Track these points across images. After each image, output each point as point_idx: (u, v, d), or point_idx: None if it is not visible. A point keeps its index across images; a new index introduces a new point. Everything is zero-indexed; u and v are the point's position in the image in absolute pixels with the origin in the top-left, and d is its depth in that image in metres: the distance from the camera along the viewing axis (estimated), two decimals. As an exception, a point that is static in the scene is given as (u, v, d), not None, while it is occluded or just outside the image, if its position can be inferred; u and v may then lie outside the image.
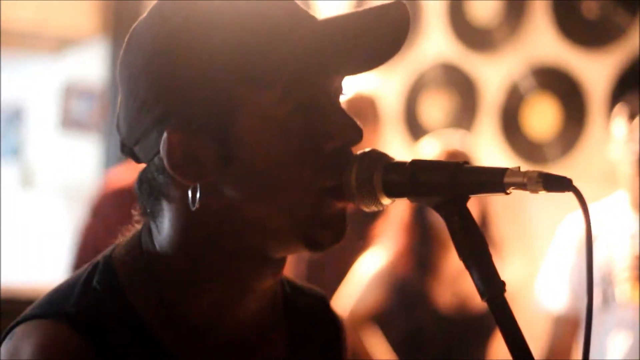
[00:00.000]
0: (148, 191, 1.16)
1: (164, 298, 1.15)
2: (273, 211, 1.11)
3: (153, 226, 1.17)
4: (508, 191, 1.06)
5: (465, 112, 4.54)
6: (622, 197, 2.83)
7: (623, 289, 2.73)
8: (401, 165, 1.11)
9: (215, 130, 1.10)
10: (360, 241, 3.39)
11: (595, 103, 4.23)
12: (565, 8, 4.32)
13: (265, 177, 1.10)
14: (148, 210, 1.17)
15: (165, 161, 1.11)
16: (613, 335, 2.72)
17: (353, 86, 3.63)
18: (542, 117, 4.39)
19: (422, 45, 4.54)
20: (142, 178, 1.17)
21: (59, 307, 1.12)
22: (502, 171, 1.05)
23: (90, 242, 3.38)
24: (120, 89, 1.17)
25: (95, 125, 5.95)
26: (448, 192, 1.08)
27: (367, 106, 3.65)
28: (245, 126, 1.10)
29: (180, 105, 1.10)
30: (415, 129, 4.63)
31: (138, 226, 1.21)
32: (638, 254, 2.72)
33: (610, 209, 2.84)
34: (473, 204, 1.08)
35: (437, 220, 3.26)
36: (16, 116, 6.60)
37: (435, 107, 4.63)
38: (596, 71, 4.23)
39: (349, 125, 1.13)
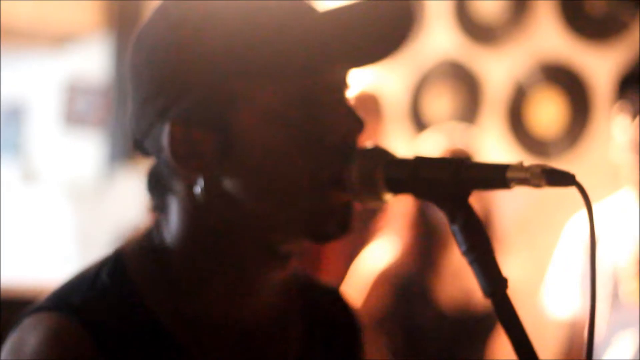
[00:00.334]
0: (155, 185, 1.17)
1: (175, 292, 1.15)
2: (274, 203, 1.12)
3: (163, 221, 1.18)
4: (511, 186, 1.05)
5: (470, 108, 4.54)
6: (628, 195, 2.82)
7: (629, 287, 2.72)
8: (403, 161, 1.11)
9: (215, 122, 1.10)
10: (364, 233, 3.39)
11: (600, 98, 4.22)
12: (571, 3, 4.31)
13: (265, 169, 1.10)
14: (156, 205, 1.18)
15: (168, 154, 1.12)
16: (619, 334, 2.71)
17: (356, 83, 3.62)
18: (547, 112, 4.38)
19: (427, 40, 4.54)
20: (151, 172, 1.18)
21: (66, 299, 1.13)
22: (505, 167, 1.05)
23: None
24: (128, 85, 1.18)
25: (99, 121, 5.95)
26: (450, 188, 1.08)
27: (369, 104, 3.65)
28: (245, 118, 1.10)
29: (181, 97, 1.11)
30: (420, 124, 4.62)
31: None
32: None
33: (616, 208, 2.83)
34: (476, 200, 1.08)
35: (440, 218, 3.27)
36: (19, 113, 6.61)
37: (440, 103, 4.62)
38: (601, 66, 4.22)
39: (349, 116, 1.13)
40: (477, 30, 4.51)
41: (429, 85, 4.63)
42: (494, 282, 1.06)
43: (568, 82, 4.32)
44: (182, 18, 1.12)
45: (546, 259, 3.18)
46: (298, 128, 1.10)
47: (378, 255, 3.40)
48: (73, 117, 6.11)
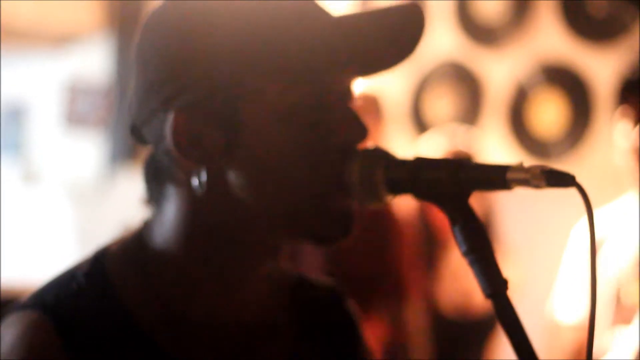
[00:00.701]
0: (154, 174, 1.16)
1: (160, 293, 1.15)
2: (274, 201, 1.11)
3: (157, 217, 1.17)
4: (511, 187, 1.05)
5: (471, 109, 4.54)
6: (631, 199, 2.82)
7: (631, 289, 2.72)
8: (404, 162, 1.11)
9: (221, 115, 1.10)
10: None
11: (601, 100, 4.22)
12: (572, 5, 4.31)
13: (268, 166, 1.10)
14: (153, 197, 1.17)
15: (170, 142, 1.11)
16: (620, 335, 2.71)
17: (357, 84, 3.62)
18: (549, 113, 4.38)
19: (429, 41, 4.54)
20: (149, 161, 1.18)
21: (41, 297, 1.13)
22: (505, 168, 1.05)
23: None
24: (134, 69, 1.17)
25: (100, 121, 5.96)
26: (451, 189, 1.08)
27: (370, 105, 3.65)
28: (251, 114, 1.10)
29: (188, 87, 1.11)
30: (421, 125, 4.62)
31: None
32: None
33: (619, 211, 2.83)
34: (476, 202, 1.08)
35: (438, 219, 3.28)
36: (19, 113, 6.61)
37: (441, 104, 4.63)
38: (603, 68, 4.22)
39: (354, 123, 1.13)
40: (478, 32, 4.51)
41: (430, 87, 4.63)
42: (494, 283, 1.06)
43: (569, 84, 4.32)
44: (197, 9, 1.12)
45: (546, 261, 3.19)
46: (304, 128, 1.10)
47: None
48: (74, 118, 6.11)
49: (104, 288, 1.14)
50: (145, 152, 1.21)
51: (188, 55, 1.11)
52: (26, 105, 6.60)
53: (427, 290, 3.34)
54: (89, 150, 6.00)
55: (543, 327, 3.05)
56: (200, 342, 1.15)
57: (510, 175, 1.04)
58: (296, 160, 1.10)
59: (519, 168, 1.04)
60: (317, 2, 1.15)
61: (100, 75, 5.92)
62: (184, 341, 1.15)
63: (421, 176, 1.09)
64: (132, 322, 1.13)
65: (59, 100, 6.22)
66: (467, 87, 4.54)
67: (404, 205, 3.36)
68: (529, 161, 4.28)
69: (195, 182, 1.11)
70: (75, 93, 6.10)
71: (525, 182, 1.04)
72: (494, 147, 4.35)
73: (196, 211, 1.14)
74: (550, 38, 4.34)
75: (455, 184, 1.07)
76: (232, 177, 1.11)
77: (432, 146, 3.37)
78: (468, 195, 1.08)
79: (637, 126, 2.68)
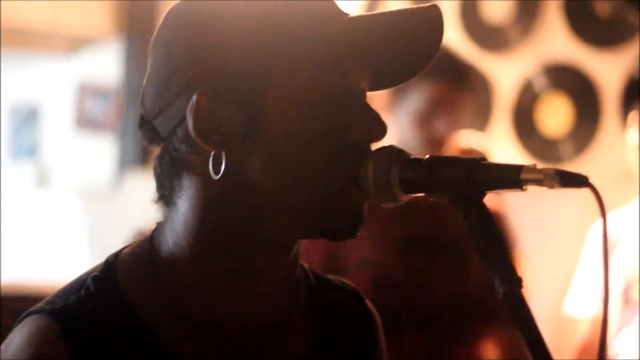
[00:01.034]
0: (169, 164, 1.16)
1: (169, 295, 1.15)
2: (288, 192, 1.12)
3: (168, 216, 1.17)
4: (524, 188, 1.06)
5: (479, 111, 4.54)
6: None
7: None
8: (418, 161, 1.12)
9: (243, 101, 1.11)
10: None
11: (608, 102, 4.22)
12: (578, 7, 4.31)
13: (283, 156, 1.11)
14: (166, 192, 1.17)
15: (190, 124, 1.12)
16: (633, 335, 2.72)
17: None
18: (555, 116, 4.38)
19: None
20: (163, 153, 1.17)
21: (52, 303, 1.14)
22: (519, 168, 1.06)
23: None
24: (150, 61, 1.18)
25: (110, 124, 5.96)
26: (465, 189, 1.09)
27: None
28: (273, 103, 1.11)
29: (212, 71, 1.12)
30: (429, 128, 4.63)
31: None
32: None
33: (635, 212, 2.84)
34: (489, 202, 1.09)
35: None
36: (31, 116, 6.62)
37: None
38: (609, 70, 4.22)
39: (374, 119, 1.14)
40: (485, 34, 4.51)
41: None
42: (508, 281, 1.07)
43: (576, 86, 4.33)
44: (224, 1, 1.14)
45: (558, 261, 3.19)
46: (323, 120, 1.11)
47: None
48: (85, 120, 6.12)
49: (112, 292, 1.15)
50: (155, 155, 1.21)
51: (213, 40, 1.12)
52: (38, 108, 6.61)
53: None
54: (100, 153, 6.00)
55: (553, 324, 3.06)
56: (210, 345, 1.15)
57: (524, 176, 1.06)
58: (313, 152, 1.11)
59: (533, 169, 1.05)
60: (334, 1, 1.17)
61: (112, 79, 5.92)
62: (193, 344, 1.15)
63: (436, 175, 1.10)
64: (140, 325, 1.14)
65: (71, 103, 6.23)
66: (474, 90, 4.54)
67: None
68: (535, 162, 4.28)
69: (212, 167, 1.12)
70: (87, 96, 6.10)
71: (538, 183, 1.05)
72: (501, 148, 4.35)
73: (210, 201, 1.14)
74: (556, 40, 4.34)
75: (469, 183, 1.08)
76: (248, 164, 1.12)
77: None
78: (482, 194, 1.09)
79: None
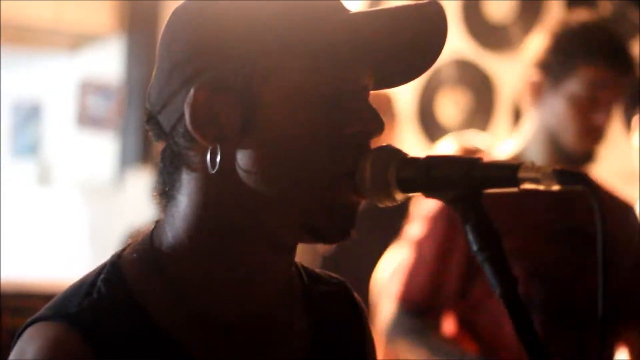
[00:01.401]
0: (170, 159, 1.16)
1: (175, 291, 1.15)
2: (281, 187, 1.12)
3: (168, 212, 1.17)
4: (522, 186, 1.06)
5: (481, 110, 4.54)
6: None
7: None
8: (416, 160, 1.11)
9: (242, 94, 1.11)
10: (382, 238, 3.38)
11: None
12: (581, 6, 4.31)
13: (281, 148, 1.11)
14: (167, 187, 1.17)
15: (187, 118, 1.11)
16: None
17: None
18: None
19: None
20: (165, 147, 1.17)
21: (63, 308, 1.13)
22: (516, 166, 1.06)
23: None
24: (157, 59, 1.18)
25: (112, 122, 5.97)
26: (462, 188, 1.08)
27: (383, 104, 3.65)
28: (272, 95, 1.11)
29: (211, 65, 1.12)
30: (431, 126, 4.63)
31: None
32: None
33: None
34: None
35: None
36: (34, 113, 6.64)
37: (451, 105, 4.63)
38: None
39: (371, 115, 1.14)
40: (488, 33, 4.52)
41: (440, 88, 4.63)
42: (505, 281, 1.07)
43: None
44: None
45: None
46: (321, 115, 1.11)
47: (392, 260, 3.40)
48: (87, 118, 6.13)
49: (123, 293, 1.14)
50: (157, 152, 1.21)
51: (213, 34, 1.12)
52: (41, 105, 6.63)
53: None
54: (102, 151, 6.02)
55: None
56: (220, 342, 1.16)
57: (521, 174, 1.05)
58: (310, 146, 1.11)
59: (530, 167, 1.05)
60: None
61: (113, 76, 5.94)
62: (203, 339, 1.15)
63: (433, 175, 1.09)
64: (154, 325, 1.13)
65: (72, 101, 6.24)
66: (477, 88, 4.55)
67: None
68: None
69: (209, 161, 1.11)
70: (89, 93, 6.12)
71: (536, 181, 1.05)
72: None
73: (209, 197, 1.14)
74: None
75: (467, 182, 1.08)
76: (244, 158, 1.11)
77: (446, 148, 3.36)
78: (480, 193, 1.08)
79: None
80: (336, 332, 1.26)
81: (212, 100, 1.11)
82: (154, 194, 1.19)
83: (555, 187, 1.04)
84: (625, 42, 2.59)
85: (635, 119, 2.84)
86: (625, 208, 2.59)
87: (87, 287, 1.15)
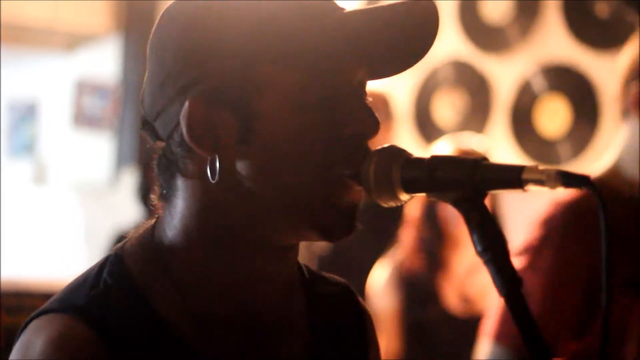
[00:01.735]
0: (166, 166, 1.16)
1: (177, 287, 1.15)
2: (285, 193, 1.12)
3: (167, 211, 1.17)
4: (526, 188, 1.06)
5: (477, 111, 4.54)
6: None
7: None
8: (420, 161, 1.11)
9: (237, 104, 1.11)
10: (377, 239, 3.39)
11: (606, 103, 4.23)
12: (577, 8, 4.32)
13: (280, 156, 1.11)
14: (164, 191, 1.17)
15: (183, 130, 1.11)
16: None
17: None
18: (554, 116, 4.39)
19: (434, 43, 4.54)
20: (161, 154, 1.17)
21: (70, 300, 1.13)
22: (520, 168, 1.06)
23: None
24: (148, 63, 1.18)
25: (108, 121, 5.97)
26: (466, 189, 1.09)
27: (380, 104, 3.66)
28: (267, 103, 1.11)
29: (205, 75, 1.12)
30: (427, 127, 4.63)
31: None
32: None
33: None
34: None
35: (448, 217, 3.29)
36: (29, 112, 6.63)
37: (447, 106, 4.64)
38: (608, 71, 4.22)
39: (367, 115, 1.14)
40: (484, 34, 4.52)
41: (437, 89, 4.64)
42: (508, 282, 1.07)
43: (575, 87, 4.33)
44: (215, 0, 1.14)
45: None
46: (317, 119, 1.11)
47: (389, 260, 3.41)
48: (83, 118, 6.13)
49: (128, 286, 1.14)
50: (151, 152, 1.21)
51: (205, 43, 1.12)
52: (36, 105, 6.62)
53: None
54: (97, 150, 6.01)
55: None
56: (222, 338, 1.16)
57: (525, 176, 1.05)
58: (309, 151, 1.11)
59: (534, 169, 1.05)
60: None
61: (109, 76, 5.93)
62: (204, 335, 1.15)
63: (437, 175, 1.10)
64: (159, 319, 1.14)
65: (68, 101, 6.23)
66: (473, 89, 4.55)
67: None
68: (533, 163, 4.29)
69: (209, 170, 1.11)
70: (85, 93, 6.11)
71: (540, 183, 1.05)
72: (500, 149, 4.35)
73: (207, 204, 1.14)
74: (555, 41, 4.35)
75: (471, 183, 1.08)
76: (244, 167, 1.12)
77: (444, 149, 3.36)
78: (484, 194, 1.09)
79: None
80: (336, 333, 1.27)
81: (208, 112, 1.11)
82: (152, 196, 1.20)
83: (559, 189, 1.05)
84: None
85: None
86: None
87: (92, 279, 1.15)
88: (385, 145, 1.14)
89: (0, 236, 5.92)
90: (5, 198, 6.30)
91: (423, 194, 1.13)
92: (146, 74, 1.18)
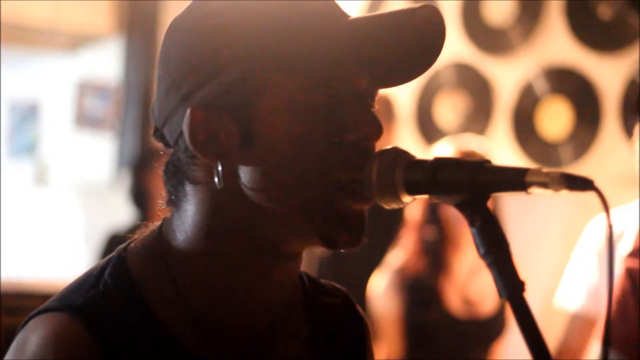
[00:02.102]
0: (173, 172, 1.17)
1: (181, 291, 1.15)
2: (288, 199, 1.12)
3: (176, 215, 1.17)
4: (529, 191, 1.06)
5: (479, 114, 4.54)
6: None
7: None
8: (423, 163, 1.11)
9: (238, 111, 1.11)
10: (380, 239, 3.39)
11: (609, 105, 4.23)
12: (580, 10, 4.32)
13: (282, 162, 1.11)
14: (172, 197, 1.18)
15: (186, 138, 1.12)
16: None
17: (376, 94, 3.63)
18: (556, 119, 4.39)
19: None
20: (169, 161, 1.18)
21: (68, 300, 1.13)
22: (524, 171, 1.06)
23: None
24: (157, 70, 1.19)
25: (110, 122, 5.97)
26: (469, 191, 1.08)
27: (382, 106, 3.66)
28: (269, 110, 1.11)
29: (206, 83, 1.12)
30: (429, 129, 4.63)
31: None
32: None
33: (635, 212, 2.84)
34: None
35: (450, 219, 3.29)
36: (31, 113, 6.63)
37: (449, 109, 4.63)
38: (610, 73, 4.22)
39: (371, 121, 1.14)
40: (487, 37, 4.52)
41: (439, 91, 4.64)
42: (511, 284, 1.07)
43: (577, 89, 4.33)
44: (218, 8, 1.13)
45: (547, 261, 3.19)
46: (319, 125, 1.11)
47: (391, 263, 3.41)
48: (85, 119, 6.13)
49: (129, 288, 1.15)
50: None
51: (206, 51, 1.12)
52: (38, 105, 6.62)
53: None
54: (99, 151, 6.01)
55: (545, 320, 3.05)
56: (221, 343, 1.16)
57: (529, 178, 1.05)
58: (310, 155, 1.11)
59: (538, 172, 1.05)
60: (335, 1, 1.16)
61: (111, 77, 5.94)
62: (204, 341, 1.15)
63: (440, 177, 1.09)
64: (157, 323, 1.14)
65: (70, 101, 6.24)
66: (475, 91, 4.55)
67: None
68: (535, 166, 4.29)
69: (216, 177, 1.12)
70: (87, 94, 6.11)
71: (543, 185, 1.05)
72: (502, 151, 4.35)
73: (215, 209, 1.14)
74: (558, 43, 4.35)
75: (474, 185, 1.08)
76: (247, 173, 1.12)
77: (445, 150, 3.36)
78: (487, 197, 1.09)
79: None
80: (336, 343, 1.27)
81: (209, 119, 1.11)
82: (163, 201, 1.20)
83: (563, 191, 1.04)
84: None
85: (637, 128, 2.84)
86: None
87: (93, 280, 1.16)
88: (388, 147, 1.13)
89: (0, 237, 5.92)
90: (6, 199, 6.30)
91: (425, 196, 1.12)
92: (156, 82, 1.19)
